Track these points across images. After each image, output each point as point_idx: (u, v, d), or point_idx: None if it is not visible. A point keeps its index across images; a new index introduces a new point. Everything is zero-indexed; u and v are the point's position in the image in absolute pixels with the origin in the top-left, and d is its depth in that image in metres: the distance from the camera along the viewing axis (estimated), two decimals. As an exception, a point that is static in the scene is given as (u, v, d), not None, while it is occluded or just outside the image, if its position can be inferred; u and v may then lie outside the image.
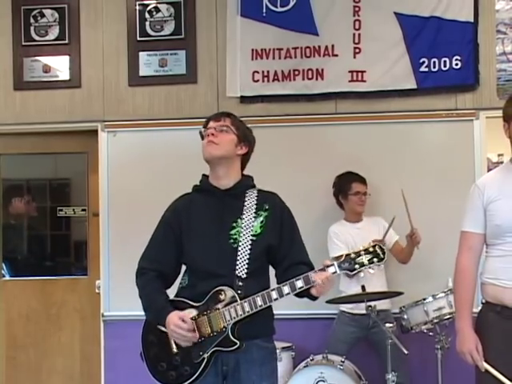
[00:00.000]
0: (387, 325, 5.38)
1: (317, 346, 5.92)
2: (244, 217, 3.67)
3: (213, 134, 3.65)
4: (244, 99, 6.53)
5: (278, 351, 5.46)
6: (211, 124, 3.73)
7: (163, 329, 3.56)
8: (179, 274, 3.81)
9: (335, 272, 3.50)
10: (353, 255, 3.55)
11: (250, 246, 3.62)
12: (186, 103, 6.62)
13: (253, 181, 3.87)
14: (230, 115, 3.82)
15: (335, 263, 3.53)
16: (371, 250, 3.56)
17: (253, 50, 6.50)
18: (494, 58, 6.39)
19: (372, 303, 5.43)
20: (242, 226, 3.65)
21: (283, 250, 3.72)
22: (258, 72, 6.51)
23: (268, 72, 6.51)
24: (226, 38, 6.55)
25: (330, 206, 6.30)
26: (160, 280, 3.72)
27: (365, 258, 3.54)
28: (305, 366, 5.61)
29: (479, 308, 4.01)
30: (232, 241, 3.61)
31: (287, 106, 6.53)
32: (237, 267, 3.57)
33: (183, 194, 3.86)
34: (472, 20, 6.32)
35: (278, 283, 3.61)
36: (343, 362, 5.57)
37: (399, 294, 5.64)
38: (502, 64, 6.38)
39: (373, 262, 3.55)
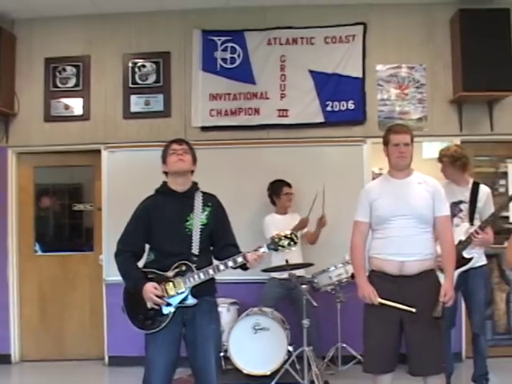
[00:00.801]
0: (303, 286, 6.37)
1: (254, 301, 7.02)
2: (195, 212, 4.35)
3: (181, 154, 4.36)
4: (204, 128, 7.76)
5: (227, 305, 6.90)
6: (176, 146, 4.40)
7: (135, 296, 4.28)
8: (144, 252, 4.44)
9: (265, 251, 4.27)
10: (277, 239, 4.30)
11: (200, 232, 4.30)
12: (163, 131, 7.71)
13: (198, 185, 4.52)
14: (187, 142, 4.52)
15: (265, 245, 4.29)
16: (289, 236, 4.31)
17: (210, 94, 7.77)
18: (376, 103, 7.80)
19: (293, 271, 6.45)
20: (194, 218, 4.32)
21: (220, 235, 4.45)
22: (213, 110, 7.78)
23: (221, 110, 7.78)
24: (192, 86, 7.80)
25: (262, 205, 7.52)
26: (133, 258, 4.36)
27: (285, 242, 4.30)
28: (246, 315, 6.66)
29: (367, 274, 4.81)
30: (187, 229, 4.28)
31: (234, 134, 7.76)
32: (192, 247, 4.27)
33: (149, 196, 4.49)
34: (361, 76, 7.77)
35: (215, 258, 4.39)
36: (273, 312, 6.70)
37: (311, 264, 6.85)
38: (382, 107, 7.85)
39: (290, 245, 4.31)
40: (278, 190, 7.37)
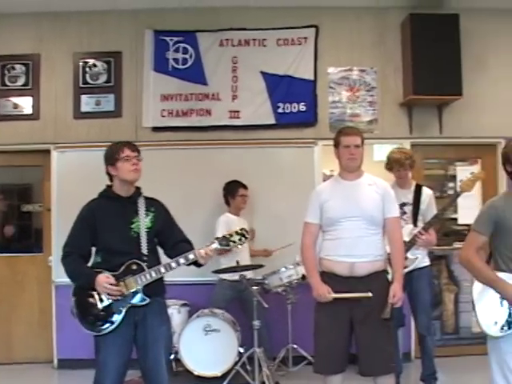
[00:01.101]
0: (254, 288, 6.40)
1: (205, 303, 6.99)
2: (139, 216, 4.38)
3: (137, 164, 4.37)
4: (155, 129, 7.75)
5: (177, 307, 6.88)
6: (130, 153, 4.36)
7: (85, 296, 4.27)
8: (91, 256, 4.41)
9: (216, 247, 4.36)
10: (228, 236, 4.40)
11: (146, 235, 4.35)
12: (113, 131, 7.64)
13: (141, 190, 4.54)
14: (137, 147, 4.50)
15: (216, 241, 4.37)
16: (240, 232, 4.42)
17: (161, 94, 7.76)
18: (327, 105, 7.89)
19: (243, 273, 6.50)
20: (139, 222, 4.35)
21: (168, 234, 4.51)
22: (165, 110, 7.77)
23: (172, 110, 7.77)
24: (143, 86, 7.77)
25: (215, 206, 7.53)
26: (81, 259, 4.34)
27: (236, 238, 4.40)
28: (197, 317, 6.66)
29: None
30: (133, 233, 4.31)
31: (186, 135, 7.73)
32: (141, 247, 4.32)
33: (92, 199, 4.47)
34: (313, 79, 7.84)
35: (169, 257, 4.40)
36: (223, 313, 6.71)
37: (262, 266, 6.84)
38: (333, 109, 7.91)
39: (241, 240, 4.41)
40: (233, 191, 7.39)
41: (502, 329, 4.03)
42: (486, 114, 8.01)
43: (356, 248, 4.64)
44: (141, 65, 7.87)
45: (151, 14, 7.87)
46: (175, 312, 6.93)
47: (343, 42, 7.98)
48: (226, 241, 4.39)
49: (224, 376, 6.47)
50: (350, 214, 4.68)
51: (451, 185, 8.05)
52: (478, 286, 4.19)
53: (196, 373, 6.53)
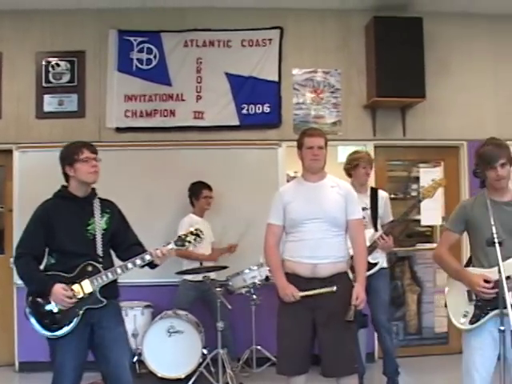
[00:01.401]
0: (217, 289, 6.48)
1: (169, 304, 6.98)
2: (95, 216, 4.36)
3: (96, 165, 4.34)
4: (118, 129, 7.70)
5: (141, 308, 6.88)
6: (89, 154, 4.32)
7: (40, 300, 4.20)
8: (44, 257, 4.34)
9: (172, 247, 4.35)
10: (183, 236, 4.41)
11: (102, 236, 4.33)
12: (76, 131, 7.50)
13: (96, 191, 4.51)
14: (96, 149, 4.45)
15: (172, 241, 4.37)
16: (195, 232, 4.43)
17: (125, 95, 7.73)
18: (291, 106, 7.93)
19: (207, 274, 6.56)
20: (95, 223, 4.33)
21: (122, 237, 4.51)
22: (128, 110, 7.72)
23: (136, 111, 7.74)
24: (107, 86, 7.73)
25: (179, 207, 7.52)
26: (35, 261, 4.25)
27: (191, 238, 4.40)
28: (160, 318, 6.65)
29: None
30: (89, 234, 4.29)
31: (150, 136, 7.72)
32: (96, 249, 4.29)
33: (47, 200, 4.41)
34: (277, 80, 7.88)
35: (121, 260, 4.41)
36: (187, 315, 6.71)
37: (225, 267, 6.86)
38: (297, 110, 7.95)
39: (196, 240, 4.41)
40: (197, 192, 7.39)
41: (470, 322, 4.19)
42: (449, 116, 8.15)
43: (319, 249, 4.65)
44: (104, 65, 7.82)
45: (115, 13, 7.80)
46: (138, 313, 6.92)
47: (308, 43, 8.02)
48: (181, 241, 4.40)
49: (188, 378, 6.45)
50: (313, 216, 4.69)
51: (414, 186, 8.14)
52: (449, 283, 4.39)
53: (159, 375, 6.50)
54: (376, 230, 6.21)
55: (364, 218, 6.07)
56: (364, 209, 6.17)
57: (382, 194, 6.37)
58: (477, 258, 4.31)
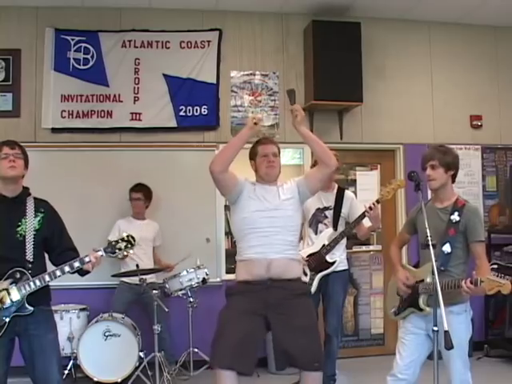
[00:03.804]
0: (154, 291, 6.42)
1: (105, 307, 6.89)
2: (27, 217, 4.22)
3: (14, 161, 4.19)
4: (54, 130, 7.57)
5: (76, 311, 6.76)
6: (8, 150, 4.21)
7: None
8: None
9: (102, 255, 4.23)
10: (114, 243, 4.30)
11: (33, 238, 4.18)
12: (11, 131, 7.22)
13: (29, 190, 4.39)
14: (19, 145, 4.33)
15: (101, 248, 4.25)
16: (126, 239, 4.33)
17: (62, 95, 7.61)
18: (229, 108, 7.96)
19: (143, 276, 6.53)
20: (26, 223, 4.19)
21: (56, 241, 4.35)
22: (65, 111, 7.61)
23: (72, 111, 7.63)
24: (43, 86, 7.59)
25: (114, 209, 7.49)
26: None
27: (122, 245, 4.31)
28: (96, 322, 6.57)
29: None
30: (19, 235, 4.14)
31: (86, 136, 7.62)
32: (26, 254, 4.14)
33: None
34: (215, 82, 7.89)
35: (54, 265, 4.26)
36: (123, 317, 6.67)
37: (162, 269, 7.00)
38: (235, 113, 7.98)
39: (127, 247, 4.32)
40: (129, 194, 7.38)
41: (395, 313, 4.64)
42: (386, 120, 8.31)
43: (272, 247, 4.55)
44: (41, 64, 7.67)
45: (52, 11, 7.67)
46: (74, 317, 6.82)
47: (246, 46, 8.07)
48: (111, 248, 4.30)
49: (124, 381, 6.40)
50: (267, 215, 4.61)
51: (351, 189, 8.11)
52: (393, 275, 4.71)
53: (96, 379, 6.41)
54: (336, 229, 6.24)
55: (327, 217, 6.28)
56: (327, 208, 6.33)
57: (349, 195, 6.43)
58: (421, 258, 4.57)
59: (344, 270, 6.33)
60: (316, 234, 6.34)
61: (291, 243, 4.65)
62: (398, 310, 4.59)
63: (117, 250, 4.29)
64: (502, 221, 8.31)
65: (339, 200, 6.31)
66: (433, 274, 3.97)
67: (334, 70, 7.48)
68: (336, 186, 6.43)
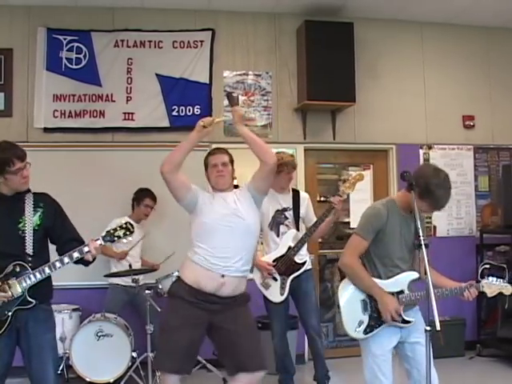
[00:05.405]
0: (146, 291, 6.43)
1: (97, 307, 6.86)
2: (26, 214, 4.21)
3: (27, 175, 4.22)
4: (47, 130, 7.56)
5: (69, 312, 6.72)
6: (19, 165, 4.14)
7: None
8: None
9: (101, 243, 4.20)
10: (112, 231, 4.27)
11: (33, 234, 4.17)
12: (3, 131, 7.21)
13: (28, 187, 4.34)
14: (25, 152, 4.26)
15: (100, 237, 4.23)
16: (124, 226, 4.31)
17: (54, 94, 7.59)
18: (222, 109, 7.82)
19: (136, 277, 6.55)
20: (26, 220, 4.18)
21: (59, 232, 4.32)
22: (57, 110, 7.59)
23: (65, 111, 7.61)
24: (35, 85, 7.57)
25: (107, 209, 7.33)
26: None
27: (120, 233, 4.29)
28: (88, 322, 6.57)
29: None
30: (20, 232, 4.14)
31: (79, 136, 7.60)
32: (25, 248, 4.14)
33: None
34: (208, 82, 7.91)
35: (59, 254, 4.23)
36: (116, 318, 6.66)
37: (155, 270, 6.98)
38: (227, 113, 7.34)
39: (126, 235, 4.30)
40: (140, 198, 7.35)
41: (365, 331, 4.31)
42: (378, 120, 8.34)
43: (228, 260, 4.59)
44: (33, 63, 7.65)
45: (45, 11, 7.65)
46: (66, 317, 6.77)
47: (239, 46, 8.07)
48: (110, 236, 4.28)
49: (117, 382, 6.38)
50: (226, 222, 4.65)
51: (344, 189, 8.16)
52: (344, 289, 4.49)
53: (88, 379, 6.39)
54: (298, 230, 6.25)
55: (287, 218, 6.26)
56: (286, 209, 6.30)
57: (304, 195, 6.43)
58: (370, 267, 4.42)
59: (310, 269, 6.35)
60: (278, 236, 6.27)
61: (247, 254, 4.68)
62: (370, 328, 4.36)
63: (115, 238, 4.29)
64: (494, 221, 8.32)
65: (297, 201, 6.32)
66: (425, 273, 3.94)
67: (327, 70, 7.50)
68: (290, 187, 6.43)
